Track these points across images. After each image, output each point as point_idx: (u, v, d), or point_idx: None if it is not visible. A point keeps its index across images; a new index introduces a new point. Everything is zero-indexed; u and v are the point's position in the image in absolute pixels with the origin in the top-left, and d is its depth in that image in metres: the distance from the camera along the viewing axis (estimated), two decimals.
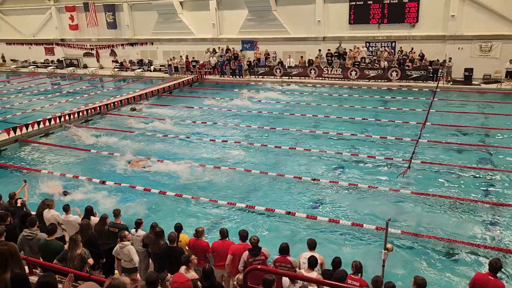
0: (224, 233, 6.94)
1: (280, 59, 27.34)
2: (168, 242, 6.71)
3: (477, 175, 12.10)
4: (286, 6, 27.45)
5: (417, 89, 22.60)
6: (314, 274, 5.77)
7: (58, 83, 30.99)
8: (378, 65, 24.50)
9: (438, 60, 23.21)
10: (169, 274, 5.35)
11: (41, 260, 6.47)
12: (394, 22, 24.93)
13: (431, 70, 23.20)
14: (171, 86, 25.59)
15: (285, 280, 5.88)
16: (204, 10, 29.68)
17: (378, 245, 8.39)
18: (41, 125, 17.55)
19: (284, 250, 6.24)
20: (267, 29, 28.17)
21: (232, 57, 28.42)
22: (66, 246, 6.48)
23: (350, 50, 25.84)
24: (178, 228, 7.08)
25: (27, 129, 16.79)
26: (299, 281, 5.62)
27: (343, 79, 25.05)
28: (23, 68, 36.00)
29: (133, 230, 7.32)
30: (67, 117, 18.65)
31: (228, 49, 28.92)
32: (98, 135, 17.14)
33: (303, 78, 25.99)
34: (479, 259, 8.34)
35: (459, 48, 23.86)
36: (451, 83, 23.09)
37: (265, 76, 27.00)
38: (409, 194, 11.00)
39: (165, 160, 13.77)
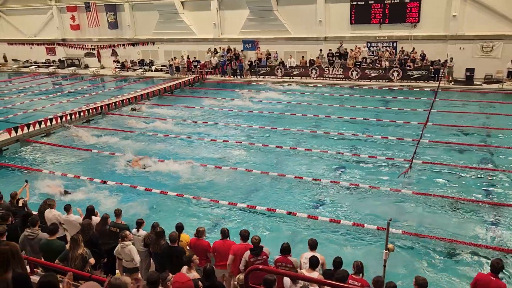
0: (225, 233, 6.94)
1: (281, 59, 27.36)
2: (169, 242, 6.71)
3: (479, 175, 12.08)
4: (287, 6, 27.45)
5: (418, 89, 22.59)
6: (315, 274, 5.77)
7: (60, 83, 31.03)
8: (379, 65, 24.48)
9: (439, 60, 23.18)
10: (170, 274, 5.35)
11: (43, 259, 6.48)
12: (395, 22, 24.92)
13: (433, 70, 23.16)
14: (172, 86, 25.62)
15: (287, 280, 5.88)
16: (205, 10, 29.70)
17: (379, 245, 8.38)
18: (43, 125, 17.56)
19: (285, 250, 6.23)
20: (268, 29, 28.17)
21: (233, 57, 28.43)
22: (67, 246, 6.48)
23: (351, 50, 25.83)
24: (179, 228, 7.09)
25: (28, 129, 16.82)
26: (300, 281, 5.61)
27: (344, 79, 25.04)
28: (24, 68, 36.07)
29: (134, 230, 7.32)
30: (68, 117, 18.68)
31: (229, 49, 28.93)
32: (99, 135, 17.15)
33: (304, 78, 25.98)
34: (480, 259, 8.32)
35: (460, 48, 23.83)
36: (453, 83, 23.06)
37: (266, 76, 27.01)
38: (410, 194, 10.98)
39: (166, 160, 13.77)
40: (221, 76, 28.50)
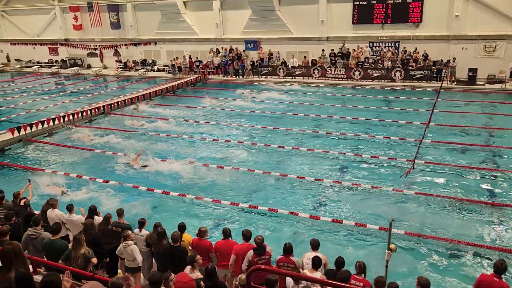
0: (227, 233, 6.94)
1: (283, 59, 27.34)
2: (171, 242, 6.72)
3: (481, 176, 12.04)
4: (289, 6, 27.43)
5: (420, 89, 22.55)
6: (318, 274, 5.76)
7: (62, 83, 31.12)
8: (381, 65, 24.44)
9: (442, 60, 23.12)
10: (172, 274, 5.35)
11: (45, 259, 6.50)
12: (397, 22, 24.88)
13: (435, 70, 23.11)
14: (175, 86, 25.66)
15: (289, 280, 5.87)
16: (207, 10, 29.71)
17: (382, 245, 8.36)
18: (45, 125, 17.62)
19: (287, 250, 6.23)
20: (270, 29, 28.16)
21: (236, 57, 28.43)
22: (70, 246, 6.50)
23: (354, 50, 25.78)
24: (181, 227, 7.09)
25: (31, 128, 16.87)
26: (302, 281, 5.61)
27: (346, 79, 25.01)
28: (27, 68, 36.16)
29: (136, 230, 7.33)
30: (71, 117, 18.73)
31: (231, 49, 28.94)
32: (102, 134, 17.19)
33: (307, 78, 25.96)
34: (483, 260, 8.30)
35: (463, 48, 23.77)
36: (455, 83, 23.01)
37: (268, 76, 27.00)
38: (412, 194, 10.96)
39: (168, 159, 13.78)
40: (223, 76, 28.52)
